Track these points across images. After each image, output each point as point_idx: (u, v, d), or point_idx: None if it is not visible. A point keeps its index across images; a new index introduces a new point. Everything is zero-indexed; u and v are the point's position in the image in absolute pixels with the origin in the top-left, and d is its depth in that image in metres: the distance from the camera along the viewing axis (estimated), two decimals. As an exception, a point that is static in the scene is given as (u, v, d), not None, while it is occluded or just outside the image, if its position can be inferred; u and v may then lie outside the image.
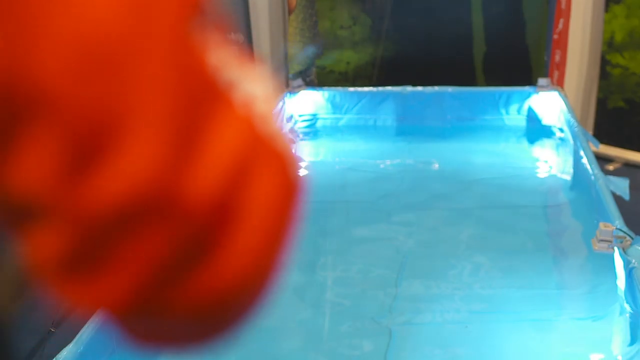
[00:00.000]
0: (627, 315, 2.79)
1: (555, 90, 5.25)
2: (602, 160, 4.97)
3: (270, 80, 0.49)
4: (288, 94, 5.39)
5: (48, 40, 0.39)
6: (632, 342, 2.71)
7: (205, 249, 0.43)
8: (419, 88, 5.38)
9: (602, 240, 3.02)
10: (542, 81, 5.32)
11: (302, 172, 0.51)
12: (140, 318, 0.45)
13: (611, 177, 3.73)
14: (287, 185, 0.48)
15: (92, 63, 0.40)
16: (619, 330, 2.86)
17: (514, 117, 5.32)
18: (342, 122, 5.42)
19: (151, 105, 0.41)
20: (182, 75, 0.43)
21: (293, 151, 0.49)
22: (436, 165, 4.86)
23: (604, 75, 5.90)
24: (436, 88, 5.37)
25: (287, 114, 5.34)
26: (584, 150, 4.14)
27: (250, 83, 0.47)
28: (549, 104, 5.20)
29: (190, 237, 0.42)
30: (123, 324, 0.46)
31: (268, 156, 0.46)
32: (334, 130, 5.40)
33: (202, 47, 0.44)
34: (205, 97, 0.44)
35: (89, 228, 0.41)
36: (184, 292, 0.44)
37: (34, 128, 0.40)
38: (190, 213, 0.42)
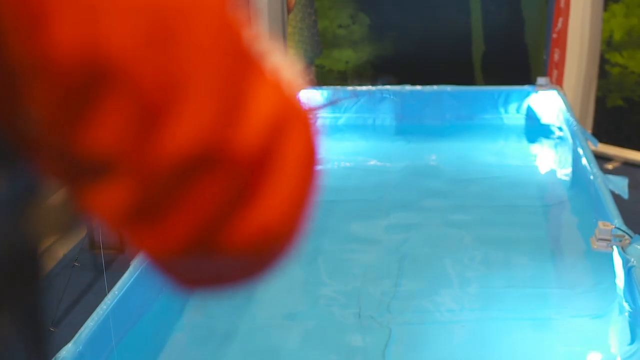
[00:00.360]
0: (626, 314, 2.79)
1: (554, 89, 5.25)
2: (601, 159, 4.98)
3: (289, 54, 0.54)
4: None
5: (118, 15, 0.44)
6: (632, 341, 2.71)
7: (248, 196, 0.49)
8: (418, 87, 5.39)
9: (601, 239, 3.03)
10: (541, 80, 5.32)
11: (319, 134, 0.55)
12: (191, 260, 0.51)
13: (610, 176, 3.74)
14: (311, 142, 0.54)
15: (155, 34, 0.45)
16: (617, 329, 2.86)
17: (513, 116, 5.32)
18: (341, 121, 5.42)
19: (204, 70, 0.47)
20: (227, 45, 0.48)
21: (312, 113, 0.55)
22: (435, 164, 4.86)
23: (602, 74, 5.90)
24: (435, 87, 5.37)
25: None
26: (582, 149, 4.14)
27: (276, 55, 0.52)
28: (548, 103, 5.20)
29: (237, 185, 0.48)
30: (174, 266, 0.52)
31: (295, 117, 0.52)
32: (332, 130, 5.39)
33: (238, 21, 0.50)
34: (245, 65, 0.49)
35: (155, 180, 0.47)
36: (230, 235, 0.49)
37: (109, 94, 0.45)
38: (237, 164, 0.48)
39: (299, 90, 0.53)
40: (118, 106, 0.45)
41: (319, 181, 0.56)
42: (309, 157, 0.53)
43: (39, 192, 0.53)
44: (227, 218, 0.49)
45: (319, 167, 0.55)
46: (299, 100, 0.52)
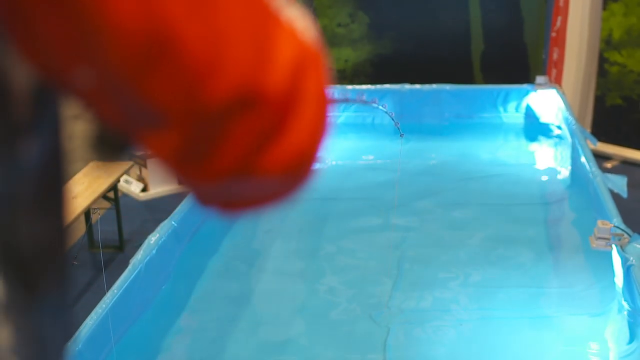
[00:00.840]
0: (625, 312, 2.79)
1: (553, 88, 5.25)
2: (600, 157, 4.98)
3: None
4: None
5: None
6: (630, 339, 2.72)
7: (280, 127, 0.56)
8: (417, 86, 5.39)
9: (599, 238, 3.03)
10: (540, 79, 5.33)
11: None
12: (233, 186, 0.59)
13: (609, 175, 3.74)
14: (325, 80, 0.60)
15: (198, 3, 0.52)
16: (616, 327, 2.86)
17: (512, 114, 5.33)
18: (340, 120, 5.42)
19: (240, 22, 0.53)
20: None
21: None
22: (434, 163, 4.87)
23: (601, 72, 5.90)
24: (434, 86, 5.38)
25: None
26: (581, 147, 4.14)
27: (290, 9, 0.59)
28: (547, 102, 5.20)
29: (271, 118, 0.55)
30: (219, 194, 0.60)
31: (311, 58, 0.58)
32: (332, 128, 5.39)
33: None
34: (270, 16, 0.56)
35: (204, 121, 0.54)
36: (267, 160, 0.57)
37: (166, 54, 0.51)
38: (270, 101, 0.54)
39: (312, 37, 0.60)
40: (173, 63, 0.52)
41: (331, 113, 0.63)
42: (324, 92, 0.60)
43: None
44: (264, 146, 0.56)
45: (330, 102, 0.62)
46: (312, 45, 0.59)
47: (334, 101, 0.64)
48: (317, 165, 0.64)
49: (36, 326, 0.57)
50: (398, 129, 3.24)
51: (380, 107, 3.27)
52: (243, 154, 0.56)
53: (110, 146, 0.60)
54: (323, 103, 0.60)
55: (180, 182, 0.60)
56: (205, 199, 0.62)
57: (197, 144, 0.56)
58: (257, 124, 0.55)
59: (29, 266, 0.58)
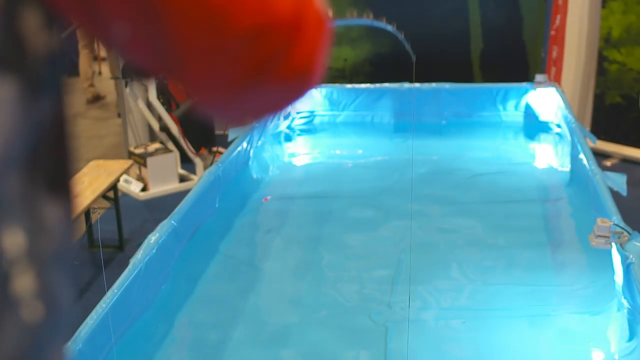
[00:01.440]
0: (625, 310, 2.79)
1: (552, 86, 5.25)
2: (599, 156, 4.98)
3: None
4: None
5: None
6: (630, 337, 2.72)
7: (292, 41, 0.64)
8: (417, 85, 5.39)
9: (599, 236, 3.03)
10: (539, 77, 5.33)
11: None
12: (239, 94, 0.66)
13: (608, 173, 3.74)
14: (324, 12, 0.69)
15: None
16: (616, 326, 2.86)
17: (512, 113, 5.33)
18: (339, 119, 5.42)
19: None
20: None
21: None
22: (434, 161, 4.87)
23: (601, 71, 5.91)
24: (434, 85, 5.38)
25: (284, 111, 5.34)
26: (581, 146, 4.15)
27: None
28: (546, 100, 5.20)
29: (284, 36, 0.63)
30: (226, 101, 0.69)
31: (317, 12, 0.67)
32: (331, 127, 5.40)
33: None
34: None
35: (229, 45, 0.62)
36: (282, 66, 0.65)
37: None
38: (280, 27, 0.62)
39: None
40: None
41: (329, 33, 0.71)
42: (322, 14, 0.68)
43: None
44: (276, 61, 0.64)
45: (328, 24, 0.70)
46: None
47: (331, 21, 0.72)
48: (319, 73, 0.71)
49: (54, 275, 0.61)
50: (409, 50, 3.23)
51: (389, 27, 3.25)
52: (258, 69, 0.64)
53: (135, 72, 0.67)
54: (321, 23, 0.68)
55: (191, 95, 0.67)
56: (216, 108, 0.71)
57: (219, 65, 0.63)
58: (270, 46, 0.62)
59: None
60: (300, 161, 5.15)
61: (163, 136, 5.58)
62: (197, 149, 5.71)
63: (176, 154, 5.56)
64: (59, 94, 0.63)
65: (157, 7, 0.59)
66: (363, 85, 5.53)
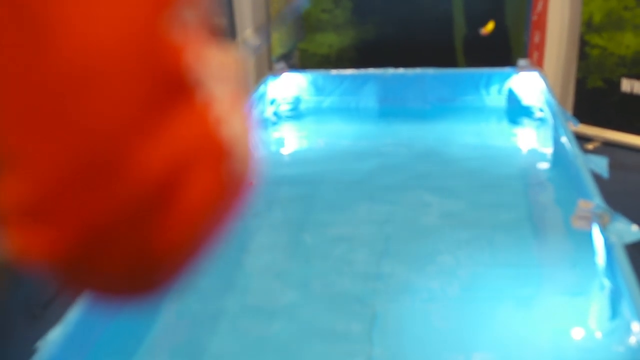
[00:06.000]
0: (607, 291, 2.83)
1: (534, 70, 5.29)
2: (581, 139, 5.02)
3: (244, 80, 0.56)
4: (271, 77, 5.41)
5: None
6: (612, 317, 2.76)
7: (146, 214, 0.50)
8: (400, 70, 5.42)
9: (581, 218, 3.07)
10: (521, 62, 5.36)
11: (255, 177, 0.58)
12: (84, 268, 0.51)
13: (590, 156, 3.78)
14: (230, 186, 0.54)
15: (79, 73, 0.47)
16: (598, 305, 2.90)
17: (495, 97, 5.36)
18: (325, 105, 5.45)
19: (116, 85, 0.48)
20: (148, 67, 0.49)
21: (251, 154, 0.56)
22: (417, 146, 4.90)
23: (582, 55, 5.95)
24: (417, 70, 5.41)
25: (270, 97, 5.36)
26: (563, 129, 4.18)
27: (222, 82, 0.53)
28: (528, 85, 5.24)
29: (136, 200, 0.49)
30: (70, 272, 0.52)
31: (216, 156, 0.52)
32: (316, 113, 5.42)
33: (176, 41, 0.50)
34: (169, 89, 0.49)
35: (46, 182, 0.48)
36: (124, 249, 0.50)
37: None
38: (136, 182, 0.48)
39: (238, 124, 0.53)
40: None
41: (238, 214, 0.57)
42: (226, 194, 0.54)
43: None
44: (122, 231, 0.49)
45: (241, 202, 0.56)
46: (221, 138, 0.52)
47: (236, 205, 0.57)
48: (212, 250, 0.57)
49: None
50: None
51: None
52: (94, 233, 0.49)
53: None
54: (215, 209, 0.54)
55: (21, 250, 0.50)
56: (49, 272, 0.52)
57: (40, 207, 0.49)
58: (116, 199, 0.48)
59: None
60: (285, 146, 5.17)
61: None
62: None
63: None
64: None
65: None
66: (348, 71, 5.56)
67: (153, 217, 0.50)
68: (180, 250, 0.53)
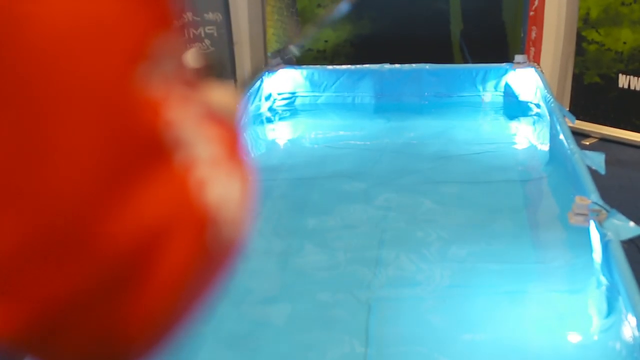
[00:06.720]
0: (603, 287, 2.82)
1: (531, 66, 5.28)
2: (578, 135, 5.02)
3: (229, 140, 0.51)
4: (267, 73, 5.39)
5: None
6: (608, 314, 2.75)
7: (115, 288, 0.46)
8: (397, 66, 5.41)
9: (578, 214, 3.06)
10: (518, 58, 5.35)
11: (237, 240, 0.54)
12: (49, 343, 0.48)
13: (587, 152, 3.77)
14: (208, 255, 0.50)
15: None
16: (595, 302, 2.90)
17: (491, 93, 5.36)
18: (320, 100, 5.44)
19: (83, 148, 0.44)
20: (118, 128, 0.45)
21: (234, 218, 0.52)
22: (414, 142, 4.89)
23: (579, 51, 5.94)
24: (414, 65, 5.40)
25: (265, 93, 5.35)
26: (560, 125, 4.17)
27: (203, 144, 0.49)
28: (525, 80, 5.23)
29: (102, 274, 0.45)
30: (30, 347, 0.48)
31: (193, 224, 0.48)
32: (312, 108, 5.41)
33: (152, 97, 0.46)
34: (143, 153, 0.46)
35: (3, 255, 0.44)
36: (92, 323, 0.47)
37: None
38: (102, 254, 0.45)
39: (219, 187, 0.50)
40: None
41: (219, 284, 0.53)
42: (204, 264, 0.50)
43: None
44: (89, 306, 0.46)
45: (222, 272, 0.53)
46: (203, 203, 0.48)
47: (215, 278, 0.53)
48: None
49: None
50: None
51: None
52: (58, 308, 0.46)
53: None
54: (191, 281, 0.50)
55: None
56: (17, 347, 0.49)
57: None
58: (83, 272, 0.45)
59: None
60: (281, 142, 5.16)
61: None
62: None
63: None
64: None
65: None
66: (344, 67, 5.54)
67: (125, 290, 0.46)
68: (158, 322, 0.49)
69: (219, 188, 0.49)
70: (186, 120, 0.48)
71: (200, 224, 0.48)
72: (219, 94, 0.55)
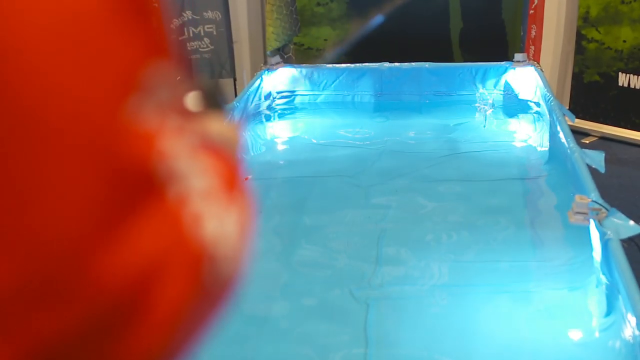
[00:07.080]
0: (603, 286, 2.82)
1: (531, 65, 5.28)
2: (578, 134, 5.02)
3: (226, 172, 0.50)
4: (266, 71, 5.39)
5: None
6: (608, 313, 2.75)
7: (110, 327, 0.44)
8: (397, 64, 5.40)
9: (578, 213, 3.05)
10: (518, 56, 5.35)
11: (234, 274, 0.52)
12: None
13: (587, 151, 3.76)
14: (204, 292, 0.49)
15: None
16: (595, 301, 2.89)
17: (491, 92, 5.35)
18: (320, 99, 5.44)
19: (74, 185, 0.42)
20: (109, 162, 0.43)
21: (231, 253, 0.50)
22: (414, 140, 4.89)
23: (579, 49, 5.94)
24: (413, 64, 5.39)
25: (265, 91, 5.34)
26: (560, 124, 4.17)
27: (198, 176, 0.48)
28: (525, 79, 5.23)
29: (96, 314, 0.44)
30: None
31: (189, 260, 0.46)
32: (312, 107, 5.41)
33: (145, 129, 0.45)
34: (135, 187, 0.44)
35: None
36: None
37: None
38: (99, 293, 0.43)
39: (216, 220, 0.48)
40: None
41: (216, 321, 0.52)
42: (200, 302, 0.49)
43: None
44: (83, 347, 0.44)
45: (218, 309, 0.52)
46: (198, 238, 0.47)
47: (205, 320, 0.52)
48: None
49: None
50: None
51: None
52: (52, 350, 0.43)
53: None
54: (187, 319, 0.48)
55: None
56: None
57: None
58: (74, 314, 0.43)
59: None
60: (281, 141, 5.16)
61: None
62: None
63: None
64: None
65: None
66: (343, 65, 5.54)
67: (120, 328, 0.45)
68: (154, 359, 0.47)
69: (215, 222, 0.48)
70: (181, 152, 0.47)
71: (196, 259, 0.47)
72: (218, 125, 0.54)
